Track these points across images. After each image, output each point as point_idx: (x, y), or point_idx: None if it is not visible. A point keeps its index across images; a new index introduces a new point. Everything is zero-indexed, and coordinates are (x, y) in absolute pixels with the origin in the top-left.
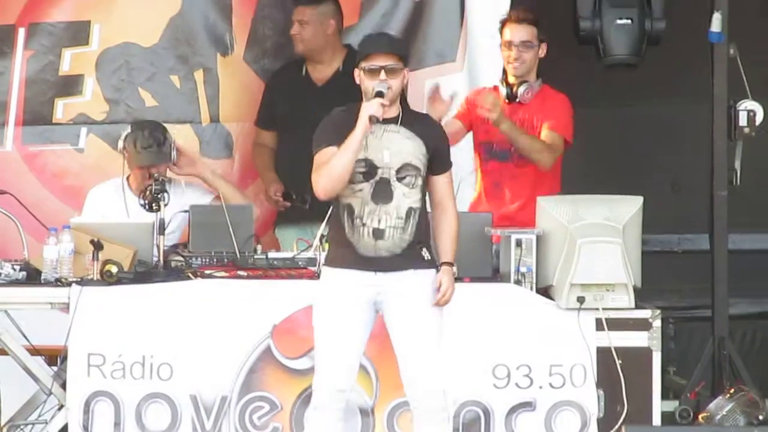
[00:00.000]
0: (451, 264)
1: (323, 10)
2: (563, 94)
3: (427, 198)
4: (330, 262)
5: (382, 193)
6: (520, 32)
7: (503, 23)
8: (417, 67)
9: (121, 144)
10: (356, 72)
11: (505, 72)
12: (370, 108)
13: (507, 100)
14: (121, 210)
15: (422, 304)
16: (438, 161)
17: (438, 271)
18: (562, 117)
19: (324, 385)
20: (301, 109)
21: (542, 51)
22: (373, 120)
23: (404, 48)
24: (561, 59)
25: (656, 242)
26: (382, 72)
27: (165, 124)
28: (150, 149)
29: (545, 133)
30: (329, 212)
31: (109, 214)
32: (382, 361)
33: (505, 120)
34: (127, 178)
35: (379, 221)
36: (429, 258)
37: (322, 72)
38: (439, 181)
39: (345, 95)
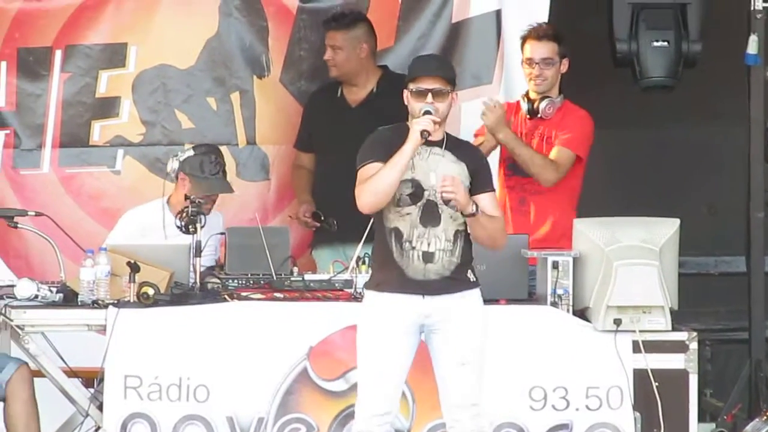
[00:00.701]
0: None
1: (355, 34)
2: (584, 111)
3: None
4: (375, 286)
5: (430, 216)
6: (540, 49)
7: (524, 40)
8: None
9: (175, 165)
10: (405, 93)
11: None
12: (421, 123)
13: (528, 116)
14: (161, 233)
15: (468, 328)
16: (479, 182)
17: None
18: (577, 133)
19: (367, 410)
20: (336, 131)
21: (564, 67)
22: (424, 135)
23: (452, 72)
24: (597, 81)
25: (693, 264)
26: (429, 95)
27: None
28: (217, 176)
29: (555, 149)
30: (365, 234)
31: (149, 237)
32: (418, 383)
33: (503, 129)
34: (167, 200)
35: (429, 244)
36: (474, 279)
37: (357, 94)
38: (483, 199)
39: (379, 116)
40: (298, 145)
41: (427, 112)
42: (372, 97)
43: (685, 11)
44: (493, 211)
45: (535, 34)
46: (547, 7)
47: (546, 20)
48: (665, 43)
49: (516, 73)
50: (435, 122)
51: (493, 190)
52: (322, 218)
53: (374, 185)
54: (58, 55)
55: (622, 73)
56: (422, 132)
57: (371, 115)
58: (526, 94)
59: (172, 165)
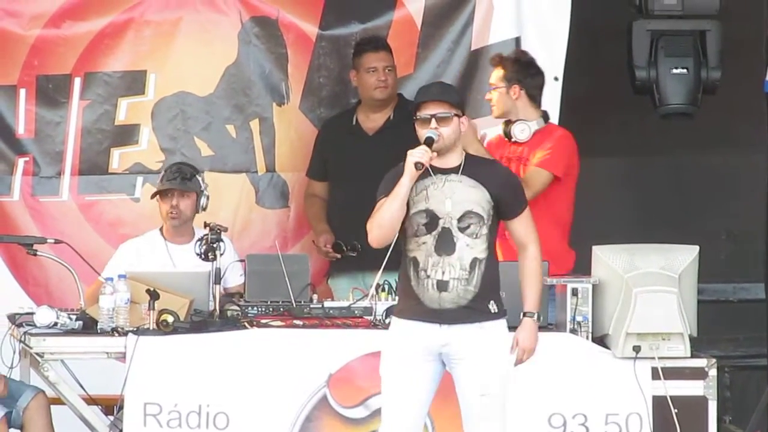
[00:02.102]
0: (532, 314)
1: (392, 55)
2: (564, 130)
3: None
4: (398, 313)
5: (445, 244)
6: (494, 74)
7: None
8: (472, 116)
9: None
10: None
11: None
12: (415, 155)
13: (507, 139)
14: (161, 261)
15: (489, 359)
16: (505, 205)
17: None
18: (552, 151)
19: None
20: (352, 159)
21: (514, 92)
22: (418, 167)
23: (455, 96)
24: (617, 109)
25: (712, 291)
26: (433, 120)
27: (221, 174)
28: (174, 180)
29: (529, 168)
30: (384, 261)
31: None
32: (438, 412)
33: (472, 144)
34: (161, 229)
35: (443, 273)
36: (496, 310)
37: (374, 121)
38: (514, 224)
39: (396, 144)
40: (311, 174)
41: (429, 140)
42: (389, 125)
43: (704, 38)
44: (525, 238)
45: (493, 61)
46: (566, 34)
47: (565, 47)
48: (684, 71)
49: None
50: (433, 153)
51: (524, 210)
52: (344, 248)
53: (378, 219)
54: (77, 82)
55: (641, 100)
56: (416, 164)
57: (388, 142)
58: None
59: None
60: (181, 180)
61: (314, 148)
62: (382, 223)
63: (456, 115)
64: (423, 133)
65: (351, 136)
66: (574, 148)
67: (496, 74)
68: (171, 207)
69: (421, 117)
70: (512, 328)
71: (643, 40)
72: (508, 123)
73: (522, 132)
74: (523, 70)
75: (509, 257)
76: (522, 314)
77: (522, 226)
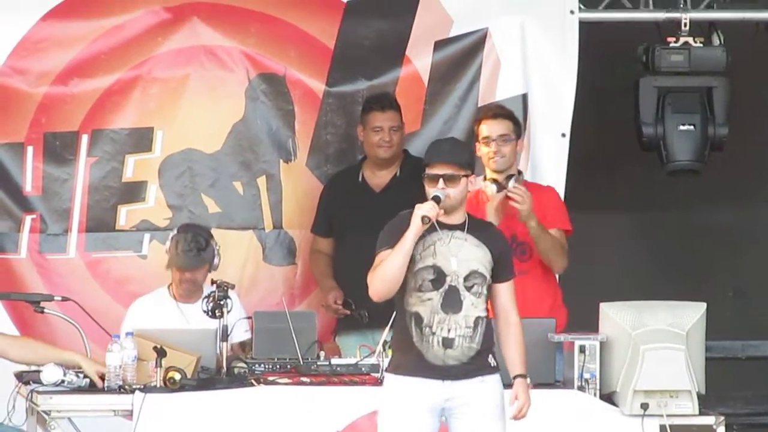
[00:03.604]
0: (524, 376)
1: (401, 115)
2: (550, 186)
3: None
4: (395, 369)
5: (452, 302)
6: (497, 126)
7: (479, 121)
8: (479, 173)
9: (166, 245)
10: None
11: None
12: (423, 209)
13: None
14: (173, 319)
15: (488, 412)
16: (501, 269)
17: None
18: (560, 210)
19: None
20: (358, 216)
21: (519, 146)
22: (425, 221)
23: (464, 156)
24: (624, 165)
25: (720, 348)
26: (441, 180)
27: (228, 231)
28: (189, 252)
29: (553, 234)
30: (392, 319)
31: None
32: None
33: (533, 216)
34: (169, 287)
35: (449, 330)
36: (494, 364)
37: (381, 177)
38: (502, 289)
39: (403, 200)
40: (316, 230)
41: (435, 198)
42: (396, 182)
43: (710, 95)
44: (510, 305)
45: (491, 113)
46: (573, 91)
47: (572, 104)
48: (691, 127)
49: (543, 157)
50: (439, 211)
51: (512, 278)
52: (353, 307)
53: (381, 273)
54: (85, 139)
55: (648, 156)
56: (423, 218)
57: (395, 199)
58: (485, 177)
59: (165, 246)
60: (196, 253)
61: (319, 204)
62: (385, 276)
63: (465, 175)
64: (431, 191)
65: (357, 193)
66: None
67: (507, 126)
68: (185, 279)
69: (429, 175)
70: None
71: (650, 96)
72: (494, 180)
73: (512, 185)
74: (520, 126)
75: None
76: (514, 377)
77: (509, 292)
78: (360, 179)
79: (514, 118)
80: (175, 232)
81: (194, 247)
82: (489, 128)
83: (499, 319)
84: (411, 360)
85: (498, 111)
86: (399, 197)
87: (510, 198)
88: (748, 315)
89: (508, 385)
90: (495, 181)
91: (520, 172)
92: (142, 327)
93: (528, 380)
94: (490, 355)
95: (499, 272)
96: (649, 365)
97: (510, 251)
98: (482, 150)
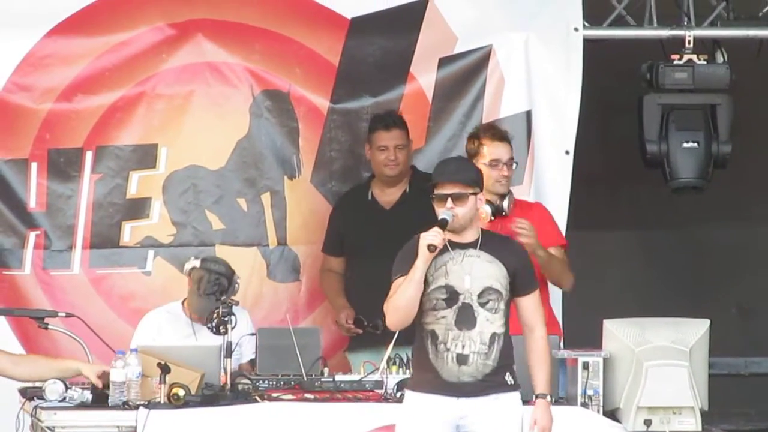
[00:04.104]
0: (545, 396)
1: (407, 133)
2: (538, 202)
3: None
4: (413, 386)
5: (466, 318)
6: (505, 150)
7: (478, 139)
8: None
9: (187, 268)
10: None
11: None
12: (428, 238)
13: (492, 217)
14: (181, 334)
15: (503, 430)
16: (521, 283)
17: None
18: (552, 226)
19: None
20: (369, 234)
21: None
22: (431, 249)
23: (471, 174)
24: (628, 182)
25: (723, 365)
26: (449, 200)
27: (232, 247)
28: (210, 297)
29: (554, 251)
30: (395, 336)
31: (166, 339)
32: None
33: (539, 246)
34: (182, 302)
35: (463, 347)
36: (512, 382)
37: (390, 195)
38: (525, 302)
39: (413, 217)
40: (327, 250)
41: (443, 221)
42: (405, 198)
43: (714, 112)
44: (534, 319)
45: (497, 136)
46: (577, 108)
47: (576, 121)
48: (695, 144)
49: (547, 174)
50: (454, 225)
51: (536, 289)
52: (366, 324)
53: (395, 303)
54: (89, 156)
55: (652, 174)
56: (428, 246)
57: (406, 216)
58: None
59: (186, 266)
60: (217, 297)
61: (329, 223)
62: (399, 306)
63: (472, 193)
64: (440, 212)
65: (367, 211)
66: None
67: (510, 149)
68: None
69: (437, 195)
70: (524, 402)
71: (654, 113)
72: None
73: (511, 205)
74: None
75: (516, 331)
76: (535, 396)
77: (532, 305)
78: (369, 197)
79: (511, 140)
80: (199, 264)
81: (217, 289)
82: (498, 151)
83: (525, 334)
84: (428, 377)
85: (504, 134)
86: (409, 214)
87: (516, 232)
88: (752, 332)
89: (525, 401)
90: (488, 201)
91: (510, 192)
92: (152, 342)
93: (549, 398)
94: (508, 373)
95: (519, 286)
96: (653, 382)
97: (530, 264)
98: (484, 171)
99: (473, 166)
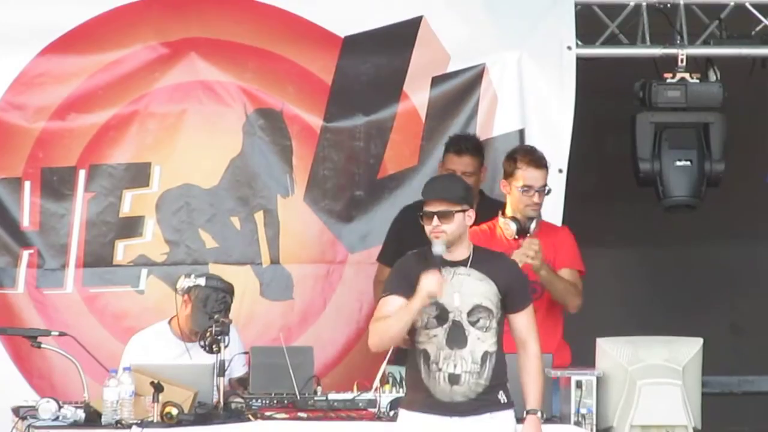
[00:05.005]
0: (535, 411)
1: (482, 158)
2: (564, 227)
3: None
4: (407, 405)
5: (457, 338)
6: (539, 176)
7: (514, 161)
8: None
9: (185, 285)
10: None
11: (503, 206)
12: (428, 284)
13: (516, 236)
14: (173, 353)
15: None
16: (512, 300)
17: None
18: (573, 251)
19: None
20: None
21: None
22: (432, 299)
23: (457, 192)
24: (621, 200)
25: (716, 384)
26: (435, 218)
27: (225, 266)
28: (218, 314)
29: (566, 274)
30: (388, 355)
31: (153, 359)
32: None
33: (544, 266)
34: (170, 321)
35: (455, 366)
36: (505, 400)
37: None
38: (517, 319)
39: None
40: (384, 259)
41: (437, 258)
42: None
43: (707, 131)
44: (527, 335)
45: (534, 162)
46: (570, 126)
47: (569, 139)
48: (688, 163)
49: None
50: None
51: (528, 306)
52: None
53: (381, 331)
54: (82, 174)
55: (645, 192)
56: (430, 296)
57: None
58: (503, 212)
59: (183, 284)
60: (225, 313)
61: (389, 232)
62: (384, 336)
63: (460, 210)
64: (427, 230)
65: None
66: None
67: (545, 175)
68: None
69: (424, 213)
70: (518, 420)
71: (646, 132)
72: (516, 219)
73: (536, 227)
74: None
75: (510, 349)
76: (525, 412)
77: (524, 322)
78: None
79: (546, 163)
80: (204, 283)
81: (223, 309)
82: (532, 178)
83: (518, 350)
84: (421, 397)
85: (540, 160)
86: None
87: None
88: (745, 350)
89: (521, 419)
90: (515, 219)
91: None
92: (141, 362)
93: (540, 415)
94: (502, 391)
95: (510, 303)
96: (646, 400)
97: (522, 280)
98: (515, 194)
99: (462, 183)
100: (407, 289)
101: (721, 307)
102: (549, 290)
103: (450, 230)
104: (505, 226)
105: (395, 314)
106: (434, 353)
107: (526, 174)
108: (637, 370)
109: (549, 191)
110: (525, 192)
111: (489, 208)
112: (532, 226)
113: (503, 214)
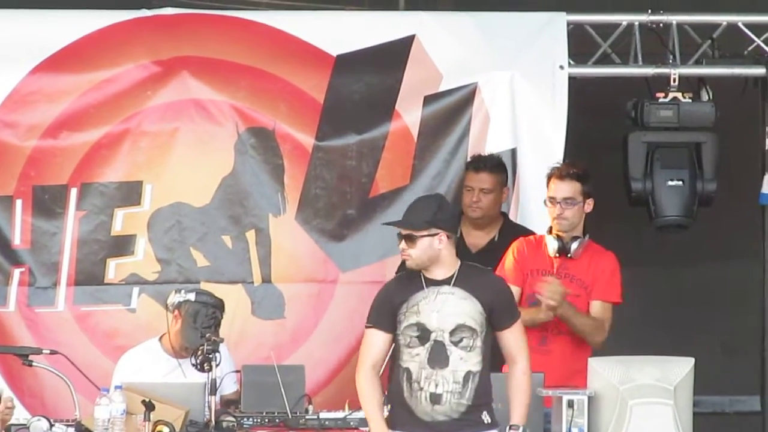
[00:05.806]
0: (517, 427)
1: (502, 178)
2: (610, 252)
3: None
4: (391, 423)
5: (438, 357)
6: (563, 188)
7: (549, 177)
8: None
9: (175, 301)
10: None
11: (526, 231)
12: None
13: (557, 254)
14: (165, 371)
15: None
16: (498, 317)
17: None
18: (611, 281)
19: None
20: None
21: (588, 206)
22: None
23: (423, 217)
24: (613, 220)
25: (708, 403)
26: (403, 241)
27: (217, 284)
28: (208, 330)
29: (597, 306)
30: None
31: (143, 377)
32: None
33: (566, 304)
34: (160, 338)
35: (436, 386)
36: (489, 421)
37: (477, 238)
38: (505, 336)
39: (497, 263)
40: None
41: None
42: (493, 246)
43: (699, 150)
44: (515, 351)
45: (559, 173)
46: (562, 145)
47: (561, 159)
48: (680, 183)
49: (532, 212)
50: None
51: (516, 321)
52: None
53: (359, 394)
54: (74, 193)
55: (637, 212)
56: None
57: (491, 263)
58: (550, 230)
59: (173, 299)
60: (212, 332)
61: None
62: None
63: (427, 235)
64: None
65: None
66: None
67: (574, 188)
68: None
69: (398, 234)
70: None
71: (638, 151)
72: (559, 236)
73: (579, 249)
74: (593, 186)
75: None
76: (508, 427)
77: (512, 339)
78: (458, 234)
79: (584, 178)
80: (193, 298)
81: (213, 324)
82: (555, 189)
83: (508, 365)
84: (403, 414)
85: (566, 172)
86: (494, 259)
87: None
88: (736, 370)
89: None
90: (558, 237)
91: (585, 234)
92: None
93: (522, 430)
94: (486, 412)
95: (496, 320)
96: (637, 420)
97: (508, 297)
98: (548, 208)
99: (433, 207)
100: (385, 322)
101: (712, 327)
102: (569, 326)
103: (415, 254)
104: (548, 243)
105: (368, 414)
106: (416, 372)
107: (553, 186)
108: (628, 390)
109: (579, 203)
110: (551, 203)
111: (513, 233)
112: (574, 246)
113: (550, 231)
